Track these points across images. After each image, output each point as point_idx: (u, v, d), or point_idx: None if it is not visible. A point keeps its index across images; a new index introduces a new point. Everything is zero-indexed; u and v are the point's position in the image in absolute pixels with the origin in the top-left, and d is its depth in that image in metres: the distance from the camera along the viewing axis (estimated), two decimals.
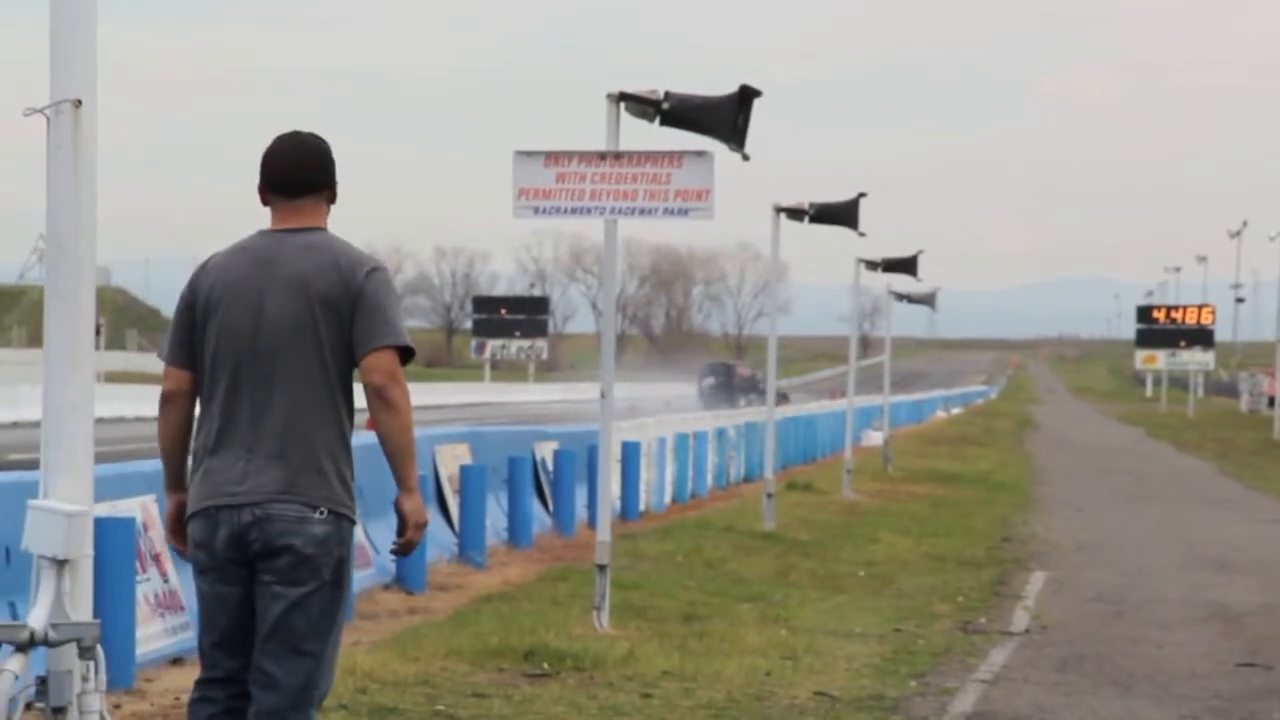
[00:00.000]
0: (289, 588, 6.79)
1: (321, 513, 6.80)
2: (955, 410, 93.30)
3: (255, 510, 6.78)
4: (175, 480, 7.12)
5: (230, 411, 6.87)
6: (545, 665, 12.17)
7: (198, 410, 7.02)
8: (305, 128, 7.11)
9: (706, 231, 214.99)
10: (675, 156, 14.18)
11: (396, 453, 6.83)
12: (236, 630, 6.94)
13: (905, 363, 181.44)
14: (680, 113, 14.34)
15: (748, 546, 20.90)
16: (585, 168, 14.22)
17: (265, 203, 7.01)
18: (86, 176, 6.98)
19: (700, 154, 14.22)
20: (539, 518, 21.46)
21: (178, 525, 7.12)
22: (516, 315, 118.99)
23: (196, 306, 6.97)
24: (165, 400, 7.01)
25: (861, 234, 24.64)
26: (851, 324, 38.83)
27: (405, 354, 6.90)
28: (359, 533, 15.57)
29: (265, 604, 6.84)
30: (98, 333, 9.65)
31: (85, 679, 6.93)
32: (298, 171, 6.93)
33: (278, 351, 6.82)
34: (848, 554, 20.98)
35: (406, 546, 6.91)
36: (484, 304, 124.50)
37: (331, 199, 7.01)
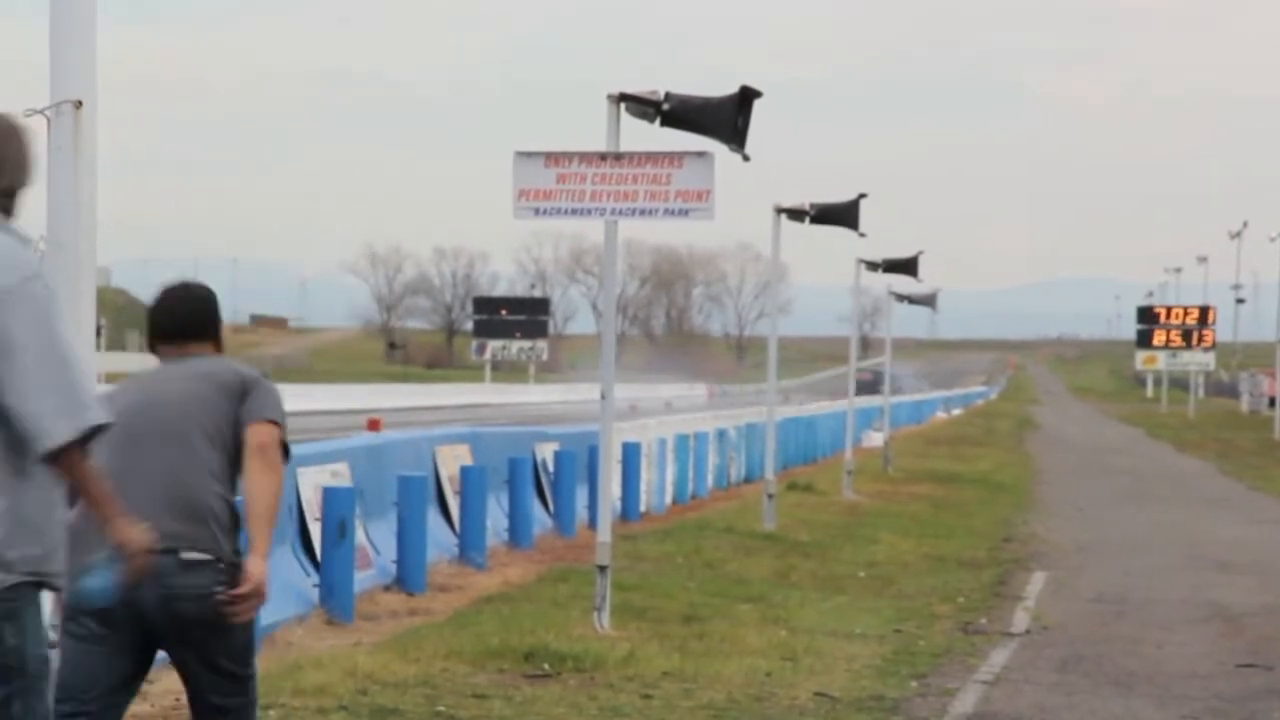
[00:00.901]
0: (218, 648, 6.79)
1: (221, 566, 6.72)
2: (956, 411, 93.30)
3: (158, 584, 6.56)
4: None
5: (119, 477, 6.53)
6: (546, 666, 12.17)
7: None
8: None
9: (707, 232, 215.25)
10: (676, 157, 14.18)
11: (264, 513, 6.75)
12: (102, 698, 6.76)
13: (905, 363, 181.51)
14: (680, 113, 14.34)
15: (748, 547, 20.90)
16: (585, 168, 14.22)
17: (153, 350, 7.07)
18: (87, 177, 6.99)
19: (700, 154, 14.22)
20: (539, 518, 21.47)
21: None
22: (517, 316, 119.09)
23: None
24: None
25: (862, 234, 24.64)
26: (852, 325, 38.82)
27: (284, 445, 6.95)
28: (360, 534, 15.57)
29: (200, 674, 6.82)
30: (98, 333, 9.65)
31: None
32: (184, 324, 7.02)
33: (171, 425, 6.81)
34: (848, 555, 20.98)
35: (244, 604, 6.70)
36: (484, 305, 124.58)
37: (217, 349, 7.09)
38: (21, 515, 5.49)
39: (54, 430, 5.39)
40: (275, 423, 6.89)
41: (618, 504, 23.24)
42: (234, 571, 6.74)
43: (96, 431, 5.50)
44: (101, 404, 5.59)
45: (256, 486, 6.76)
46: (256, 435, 6.84)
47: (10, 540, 5.46)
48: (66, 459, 5.46)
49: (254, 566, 6.68)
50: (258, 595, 6.70)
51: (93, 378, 5.59)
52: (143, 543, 5.93)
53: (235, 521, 6.83)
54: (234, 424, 6.88)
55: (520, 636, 12.85)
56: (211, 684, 6.86)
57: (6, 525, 5.46)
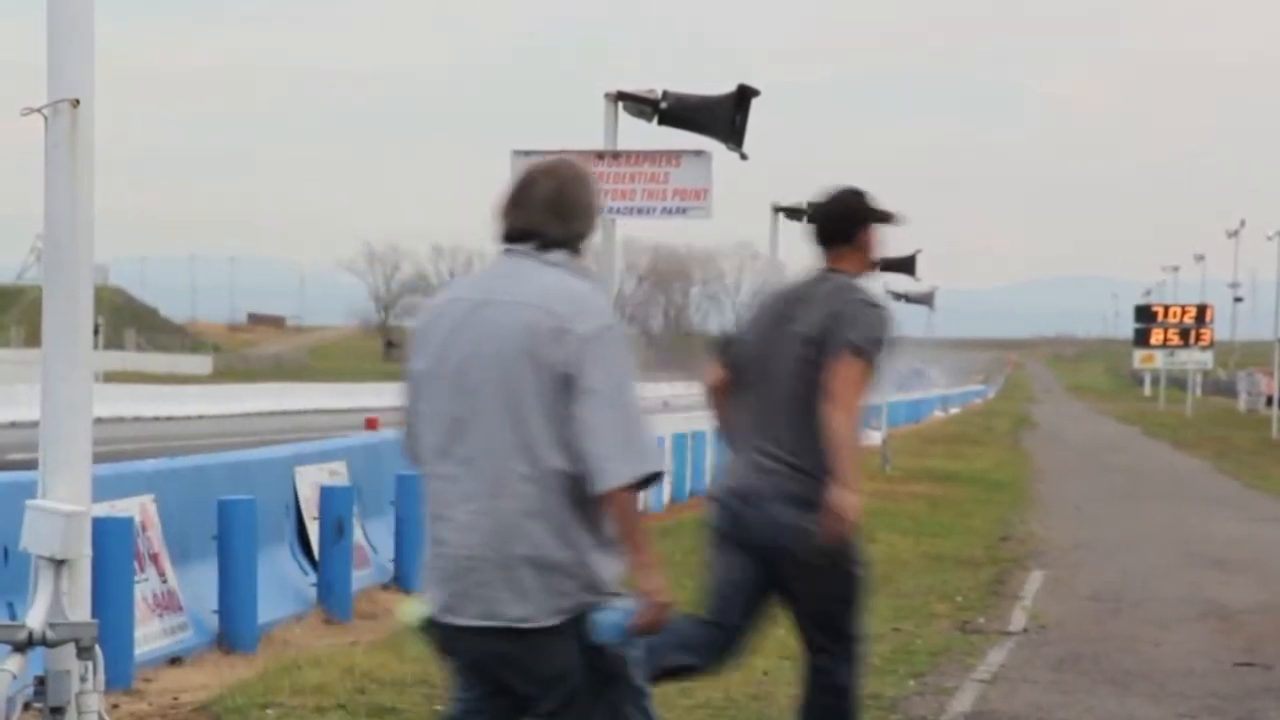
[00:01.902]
0: (812, 592, 8.08)
1: (815, 509, 7.79)
2: (953, 410, 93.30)
3: (762, 513, 7.81)
4: None
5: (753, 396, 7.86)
6: None
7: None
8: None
9: (705, 230, 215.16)
10: (673, 155, 14.20)
11: (838, 451, 7.70)
12: (730, 612, 8.15)
13: (903, 362, 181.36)
14: (678, 112, 14.35)
15: None
16: None
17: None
18: (84, 176, 6.98)
19: (698, 153, 14.23)
20: None
21: None
22: None
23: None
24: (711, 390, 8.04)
25: None
26: None
27: (868, 362, 7.62)
28: (358, 533, 15.57)
29: (798, 617, 8.18)
30: (96, 332, 9.64)
31: (83, 679, 6.94)
32: (820, 232, 7.88)
33: (781, 366, 7.74)
34: None
35: (827, 529, 7.80)
36: None
37: (860, 246, 7.87)
38: (604, 536, 5.90)
39: (613, 471, 5.75)
40: (853, 351, 7.56)
41: None
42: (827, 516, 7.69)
43: (653, 478, 5.82)
44: (659, 453, 5.95)
45: (829, 427, 7.60)
46: (829, 376, 7.58)
47: (602, 560, 5.89)
48: (618, 499, 5.81)
49: (834, 495, 7.70)
50: (839, 520, 7.69)
51: (652, 427, 5.94)
52: (665, 597, 6.03)
53: (824, 464, 7.71)
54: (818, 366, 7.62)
55: None
56: (807, 627, 7.93)
57: (597, 548, 5.87)
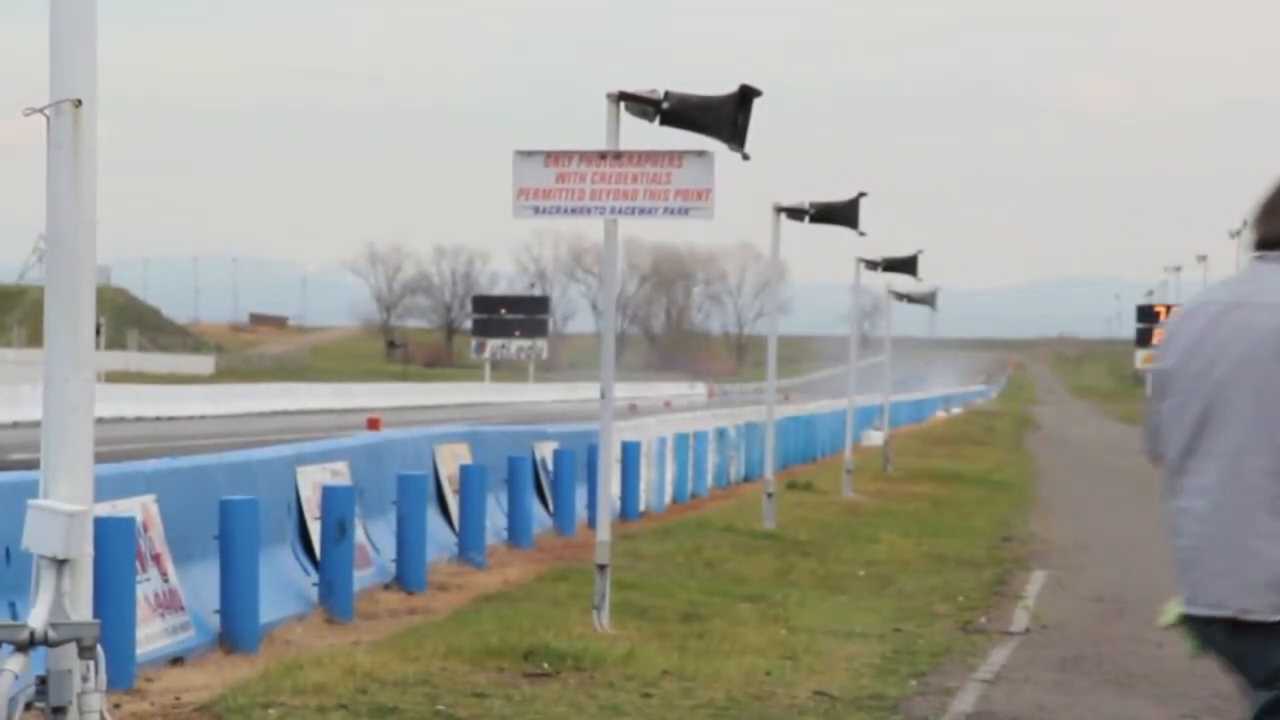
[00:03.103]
0: None
1: None
2: (956, 410, 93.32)
3: None
4: None
5: None
6: (545, 665, 12.17)
7: None
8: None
9: (706, 231, 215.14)
10: (675, 156, 14.18)
11: None
12: None
13: (904, 363, 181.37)
14: (680, 112, 14.34)
15: (748, 546, 20.90)
16: (585, 167, 14.22)
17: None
18: (86, 176, 6.98)
19: (700, 153, 14.22)
20: (539, 517, 21.47)
21: None
22: (516, 315, 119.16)
23: None
24: None
25: (862, 233, 24.68)
26: (851, 324, 38.82)
27: None
28: (359, 533, 15.57)
29: None
30: (98, 332, 9.66)
31: (85, 679, 6.95)
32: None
33: None
34: (848, 554, 20.98)
35: None
36: (484, 304, 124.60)
37: None
38: None
39: None
40: None
41: (617, 503, 23.25)
42: None
43: None
44: None
45: None
46: None
47: None
48: None
49: None
50: None
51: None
52: None
53: None
54: None
55: (520, 635, 12.85)
56: None
57: None
